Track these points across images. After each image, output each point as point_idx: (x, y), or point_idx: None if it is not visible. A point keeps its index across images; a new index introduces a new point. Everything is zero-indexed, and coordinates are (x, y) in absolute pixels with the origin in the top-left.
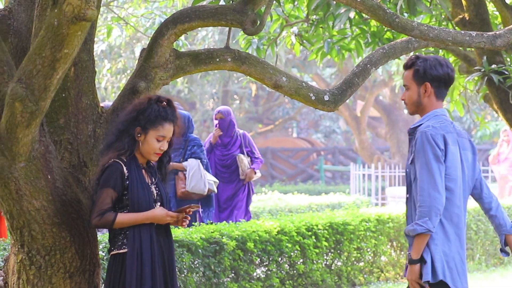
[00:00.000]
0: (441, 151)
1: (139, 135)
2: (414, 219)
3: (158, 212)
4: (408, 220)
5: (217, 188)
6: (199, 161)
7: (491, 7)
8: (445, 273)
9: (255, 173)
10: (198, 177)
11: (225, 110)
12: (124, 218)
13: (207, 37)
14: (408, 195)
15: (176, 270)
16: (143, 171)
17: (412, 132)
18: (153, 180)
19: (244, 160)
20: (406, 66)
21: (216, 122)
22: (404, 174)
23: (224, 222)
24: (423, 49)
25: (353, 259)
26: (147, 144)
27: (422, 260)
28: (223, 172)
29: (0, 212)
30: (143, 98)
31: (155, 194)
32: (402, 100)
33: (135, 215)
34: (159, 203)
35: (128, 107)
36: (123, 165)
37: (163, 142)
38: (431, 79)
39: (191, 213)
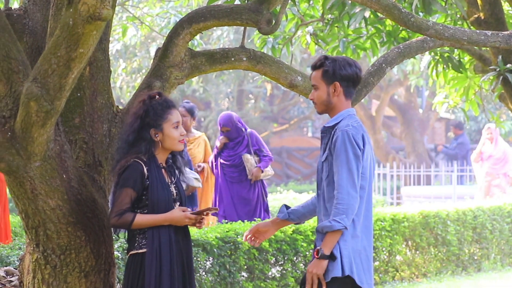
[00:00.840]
0: (361, 150)
1: (156, 135)
2: (325, 215)
3: (177, 214)
4: (319, 216)
5: (228, 188)
6: None
7: (506, 6)
8: (352, 269)
9: (262, 171)
10: None
11: (227, 122)
12: (142, 219)
13: (222, 37)
14: (318, 192)
15: (193, 268)
16: (163, 170)
17: (326, 130)
18: (173, 179)
19: (250, 160)
20: (315, 67)
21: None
22: (418, 173)
23: (240, 221)
24: (439, 48)
25: None
26: (168, 138)
27: (331, 256)
28: (231, 172)
29: None
30: (137, 104)
31: (175, 194)
32: (311, 99)
33: (153, 217)
34: (178, 203)
35: (126, 120)
36: (143, 165)
37: (179, 127)
38: (340, 78)
39: (209, 215)
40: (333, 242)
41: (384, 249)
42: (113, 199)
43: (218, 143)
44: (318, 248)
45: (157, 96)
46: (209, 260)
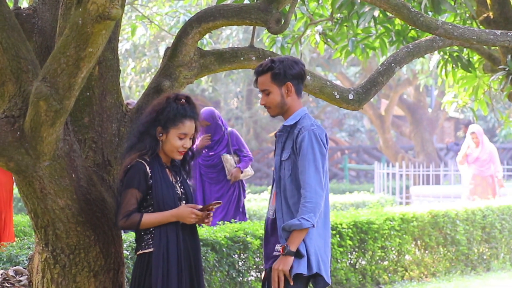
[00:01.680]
0: (326, 149)
1: (160, 134)
2: (286, 213)
3: (183, 209)
4: (279, 215)
5: (201, 189)
6: None
7: None
8: (320, 266)
9: (242, 172)
10: None
11: (208, 116)
12: (150, 218)
13: (231, 36)
14: (277, 190)
15: (202, 267)
16: (167, 170)
17: (284, 129)
18: (178, 179)
19: (229, 160)
20: (262, 71)
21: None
22: (428, 173)
23: (248, 221)
24: (448, 48)
25: (378, 258)
26: (169, 143)
27: (298, 253)
28: (210, 172)
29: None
30: (162, 98)
31: (180, 193)
32: (262, 105)
33: (160, 214)
34: (184, 202)
35: (148, 108)
36: (146, 164)
37: (185, 139)
38: (291, 78)
39: (213, 210)
40: (300, 239)
41: (393, 248)
42: (119, 201)
43: (198, 145)
44: (284, 245)
45: (182, 100)
46: (218, 260)
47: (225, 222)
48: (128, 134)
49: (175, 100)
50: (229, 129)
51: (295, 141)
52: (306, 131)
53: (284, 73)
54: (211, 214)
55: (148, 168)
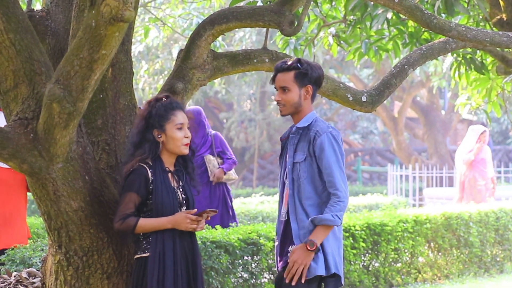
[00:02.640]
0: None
1: (159, 136)
2: (302, 214)
3: (178, 216)
4: (292, 217)
5: None
6: None
7: None
8: (338, 266)
9: (225, 173)
10: None
11: (194, 110)
12: (146, 223)
13: (244, 38)
14: (291, 191)
15: (202, 273)
16: (169, 174)
17: (296, 131)
18: (180, 183)
19: (212, 161)
20: (285, 69)
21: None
22: (441, 175)
23: (261, 223)
24: (461, 50)
25: (391, 260)
26: (171, 139)
27: (317, 250)
28: None
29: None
30: (144, 106)
31: (181, 198)
32: (277, 101)
33: (156, 221)
34: (184, 207)
35: (135, 121)
36: (148, 169)
37: (184, 129)
38: (312, 82)
39: (209, 218)
40: (325, 235)
41: (406, 250)
42: (118, 204)
43: None
44: (311, 240)
45: (164, 99)
46: (231, 262)
47: (214, 225)
48: (119, 136)
49: (156, 101)
50: (213, 132)
51: (312, 144)
52: (324, 134)
53: (308, 75)
54: (203, 220)
55: (149, 172)
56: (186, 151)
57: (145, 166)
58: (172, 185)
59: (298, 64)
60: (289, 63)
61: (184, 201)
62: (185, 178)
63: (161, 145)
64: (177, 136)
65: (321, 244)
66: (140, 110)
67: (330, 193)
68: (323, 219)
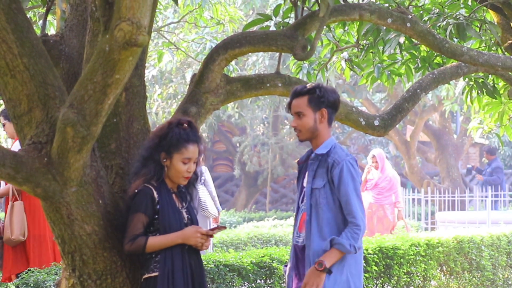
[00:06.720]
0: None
1: (164, 160)
2: (320, 237)
3: (188, 230)
4: (307, 242)
5: None
6: None
7: None
8: None
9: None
10: None
11: None
12: (155, 241)
13: (257, 62)
14: (308, 217)
15: None
16: (174, 195)
17: (316, 157)
18: (184, 204)
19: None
20: (300, 93)
21: None
22: (453, 198)
23: (274, 247)
24: (473, 74)
25: (403, 283)
26: (173, 169)
27: (329, 271)
28: None
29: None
30: (164, 123)
31: (186, 218)
32: (293, 127)
33: (166, 237)
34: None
35: (151, 134)
36: (153, 189)
37: (189, 164)
38: (327, 105)
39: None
40: (337, 259)
41: (418, 274)
42: (126, 226)
43: None
44: (320, 260)
45: (185, 125)
46: (244, 286)
47: None
48: (133, 161)
49: (177, 125)
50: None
51: (330, 171)
52: (343, 162)
53: (322, 99)
54: (210, 239)
55: (155, 193)
56: (184, 182)
57: (150, 186)
58: (177, 206)
59: (312, 88)
60: (301, 88)
61: (189, 221)
62: (188, 199)
63: (165, 168)
64: (180, 169)
65: (342, 267)
66: (159, 126)
67: (348, 220)
68: (340, 243)
